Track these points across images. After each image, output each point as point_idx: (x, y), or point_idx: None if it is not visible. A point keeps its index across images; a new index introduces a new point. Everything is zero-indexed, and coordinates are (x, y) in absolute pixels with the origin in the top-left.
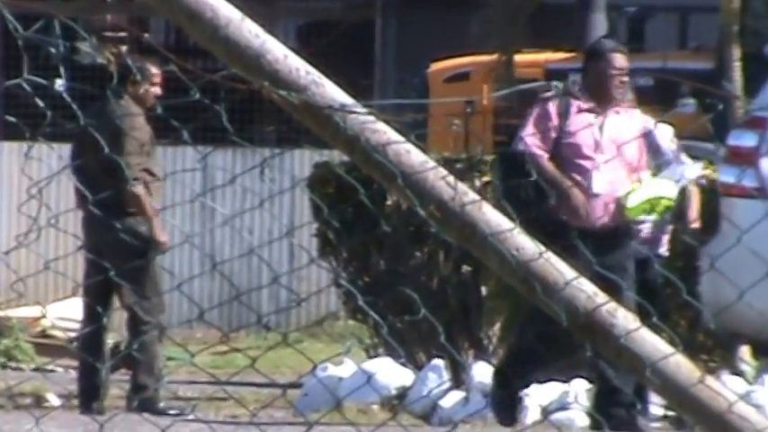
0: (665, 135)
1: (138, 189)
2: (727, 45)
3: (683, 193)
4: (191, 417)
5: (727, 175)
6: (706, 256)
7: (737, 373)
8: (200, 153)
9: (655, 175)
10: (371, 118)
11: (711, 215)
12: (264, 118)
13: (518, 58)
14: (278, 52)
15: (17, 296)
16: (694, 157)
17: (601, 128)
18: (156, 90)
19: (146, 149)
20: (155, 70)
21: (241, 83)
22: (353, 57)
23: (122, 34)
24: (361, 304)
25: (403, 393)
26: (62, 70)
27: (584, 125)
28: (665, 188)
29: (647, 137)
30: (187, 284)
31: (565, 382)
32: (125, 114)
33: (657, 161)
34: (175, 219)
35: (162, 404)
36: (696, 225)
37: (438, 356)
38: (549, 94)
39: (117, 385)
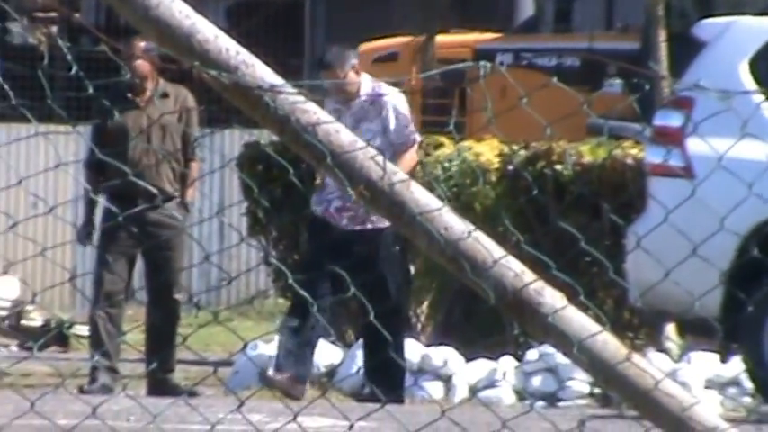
0: None
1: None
2: (653, 25)
3: None
4: (121, 394)
5: (653, 155)
6: (632, 235)
7: (663, 350)
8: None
9: None
10: (301, 98)
11: (638, 194)
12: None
13: (446, 38)
14: (208, 32)
15: None
16: (620, 137)
17: None
18: None
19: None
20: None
21: (172, 63)
22: (283, 37)
23: (53, 14)
24: (290, 282)
25: (332, 371)
26: None
27: None
28: None
29: None
30: None
31: (493, 359)
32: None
33: None
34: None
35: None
36: None
37: None
38: None
39: (46, 363)
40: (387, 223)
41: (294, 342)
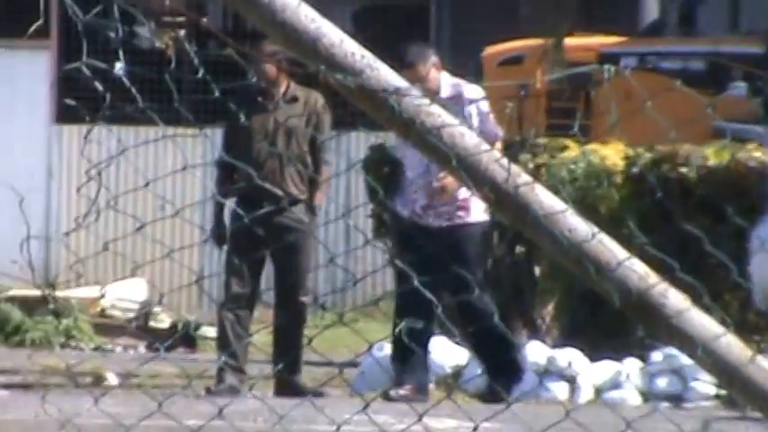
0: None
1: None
2: None
3: None
4: (248, 395)
5: None
6: (756, 238)
7: None
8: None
9: None
10: (426, 101)
11: (761, 197)
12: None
13: (570, 42)
14: (334, 37)
15: (76, 277)
16: (744, 140)
17: None
18: None
19: None
20: None
21: (298, 67)
22: (408, 41)
23: (180, 19)
24: (416, 284)
25: (458, 372)
26: (121, 54)
27: None
28: None
29: None
30: None
31: (618, 361)
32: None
33: None
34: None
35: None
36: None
37: None
38: None
39: (173, 364)
40: (473, 218)
41: (411, 347)
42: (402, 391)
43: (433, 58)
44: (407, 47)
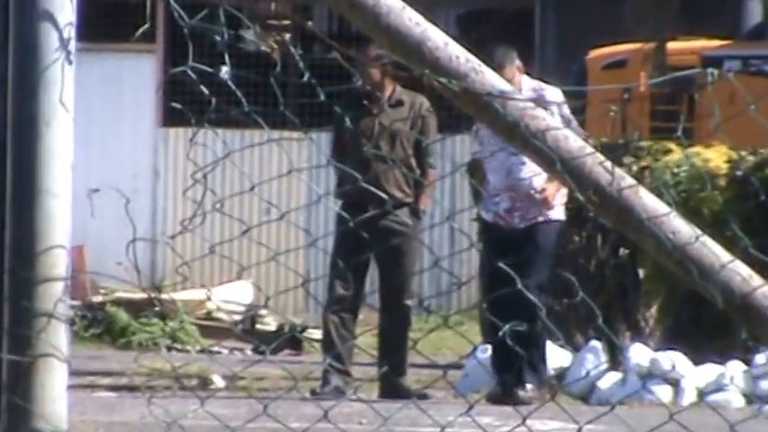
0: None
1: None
2: None
3: None
4: (353, 397)
5: None
6: None
7: None
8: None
9: None
10: (530, 104)
11: None
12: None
13: (673, 45)
14: (438, 40)
15: (182, 279)
16: None
17: None
18: None
19: None
20: None
21: (403, 70)
22: (513, 44)
23: (286, 22)
24: (520, 287)
25: (561, 374)
26: (226, 58)
27: None
28: None
29: None
30: None
31: (721, 363)
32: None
33: None
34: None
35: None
36: None
37: (596, 338)
38: None
39: (279, 366)
40: (554, 216)
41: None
42: (524, 392)
43: (517, 61)
44: (495, 49)
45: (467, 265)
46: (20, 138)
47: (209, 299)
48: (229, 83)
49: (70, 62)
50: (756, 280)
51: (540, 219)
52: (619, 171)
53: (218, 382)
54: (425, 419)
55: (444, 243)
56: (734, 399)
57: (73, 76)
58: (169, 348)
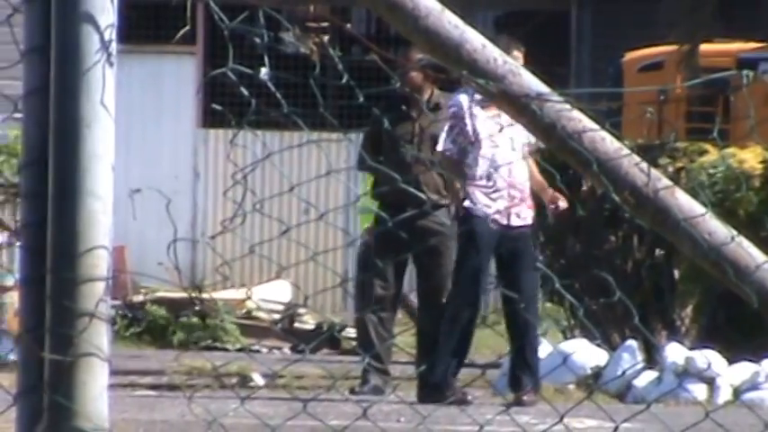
0: None
1: None
2: None
3: None
4: (391, 396)
5: None
6: None
7: None
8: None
9: None
10: (567, 106)
11: None
12: None
13: (709, 47)
14: (476, 42)
15: (223, 279)
16: None
17: None
18: None
19: None
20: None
21: (440, 72)
22: (549, 46)
23: (325, 24)
24: (557, 287)
25: (598, 373)
26: (266, 60)
27: None
28: None
29: None
30: None
31: (756, 362)
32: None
33: None
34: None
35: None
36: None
37: (632, 337)
38: None
39: (318, 365)
40: (531, 220)
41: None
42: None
43: (515, 52)
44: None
45: None
46: (61, 140)
47: (248, 298)
48: (269, 84)
49: (111, 64)
50: None
51: (529, 221)
52: (655, 172)
53: (258, 380)
54: (464, 418)
55: None
56: None
57: (114, 77)
58: (209, 347)
